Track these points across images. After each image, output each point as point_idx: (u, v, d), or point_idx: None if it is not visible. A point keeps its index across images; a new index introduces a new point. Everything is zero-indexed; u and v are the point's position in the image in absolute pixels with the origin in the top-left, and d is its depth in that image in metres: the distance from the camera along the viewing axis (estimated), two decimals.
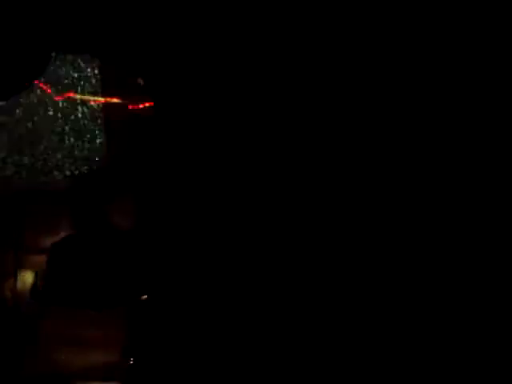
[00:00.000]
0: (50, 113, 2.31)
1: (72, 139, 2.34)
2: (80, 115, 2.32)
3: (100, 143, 2.31)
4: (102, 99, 2.23)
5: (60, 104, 2.31)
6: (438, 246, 1.87)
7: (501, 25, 1.85)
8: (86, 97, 2.26)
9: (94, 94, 2.29)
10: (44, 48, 2.02)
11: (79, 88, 2.31)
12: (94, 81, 2.31)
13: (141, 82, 2.07)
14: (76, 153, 2.31)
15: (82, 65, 2.33)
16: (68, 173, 2.31)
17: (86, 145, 2.31)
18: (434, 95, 1.90)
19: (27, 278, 2.11)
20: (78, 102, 2.28)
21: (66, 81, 2.30)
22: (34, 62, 2.02)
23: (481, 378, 1.81)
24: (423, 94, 1.90)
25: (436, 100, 1.90)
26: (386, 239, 1.89)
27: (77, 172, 2.30)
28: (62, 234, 2.10)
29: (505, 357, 1.81)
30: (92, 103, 2.27)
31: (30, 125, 2.32)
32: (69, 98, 2.26)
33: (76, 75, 2.32)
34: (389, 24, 1.90)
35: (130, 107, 2.13)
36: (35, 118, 2.32)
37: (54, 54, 2.16)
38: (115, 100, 2.17)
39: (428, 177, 1.89)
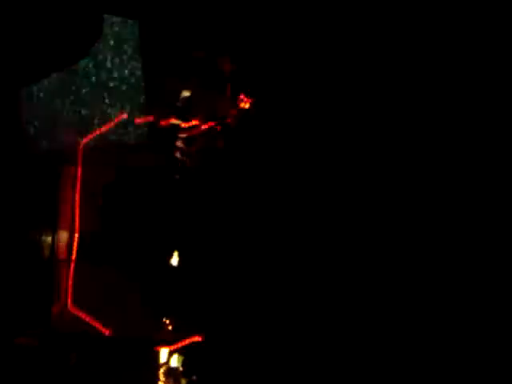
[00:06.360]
0: None
1: None
2: None
3: None
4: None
5: None
6: (437, 246, 1.88)
7: (501, 25, 1.80)
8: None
9: None
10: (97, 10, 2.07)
11: None
12: None
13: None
14: None
15: None
16: None
17: None
18: (433, 95, 1.89)
19: (63, 237, 2.26)
20: None
21: None
22: (90, 25, 2.08)
23: (481, 377, 1.88)
24: (423, 95, 1.89)
25: (436, 100, 1.89)
26: (386, 239, 1.90)
27: None
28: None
29: (505, 357, 1.86)
30: None
31: None
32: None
33: None
34: (389, 26, 1.89)
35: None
36: None
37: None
38: None
39: (428, 177, 1.89)
